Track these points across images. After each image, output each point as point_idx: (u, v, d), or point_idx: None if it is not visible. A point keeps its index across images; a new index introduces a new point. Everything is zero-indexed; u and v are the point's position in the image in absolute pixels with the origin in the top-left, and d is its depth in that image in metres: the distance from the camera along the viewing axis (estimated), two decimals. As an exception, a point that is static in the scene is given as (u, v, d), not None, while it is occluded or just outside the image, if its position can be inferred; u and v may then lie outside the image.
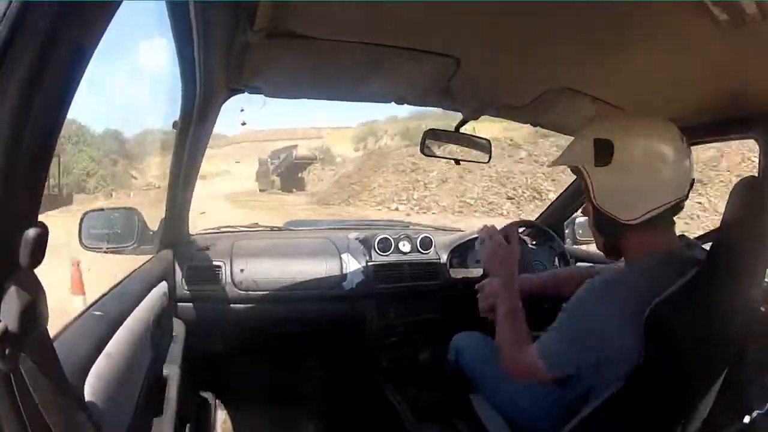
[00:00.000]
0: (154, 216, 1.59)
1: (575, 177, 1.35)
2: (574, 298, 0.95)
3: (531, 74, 1.20)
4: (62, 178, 16.68)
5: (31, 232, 0.43)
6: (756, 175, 1.15)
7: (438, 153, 1.69)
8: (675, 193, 0.89)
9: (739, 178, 0.90)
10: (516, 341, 1.04)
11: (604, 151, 0.90)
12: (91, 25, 0.44)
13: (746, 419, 0.93)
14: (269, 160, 23.87)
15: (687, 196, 0.92)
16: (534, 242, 1.97)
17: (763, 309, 1.01)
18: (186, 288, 1.65)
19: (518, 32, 0.94)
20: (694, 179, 0.92)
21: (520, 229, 1.96)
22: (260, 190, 22.27)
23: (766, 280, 0.96)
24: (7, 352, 0.44)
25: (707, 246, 0.91)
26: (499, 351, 1.07)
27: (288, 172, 22.83)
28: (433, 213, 12.94)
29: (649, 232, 0.91)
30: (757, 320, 0.99)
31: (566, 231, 2.08)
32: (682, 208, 0.93)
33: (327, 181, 20.22)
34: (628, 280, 0.92)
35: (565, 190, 2.07)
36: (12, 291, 0.43)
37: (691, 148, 0.95)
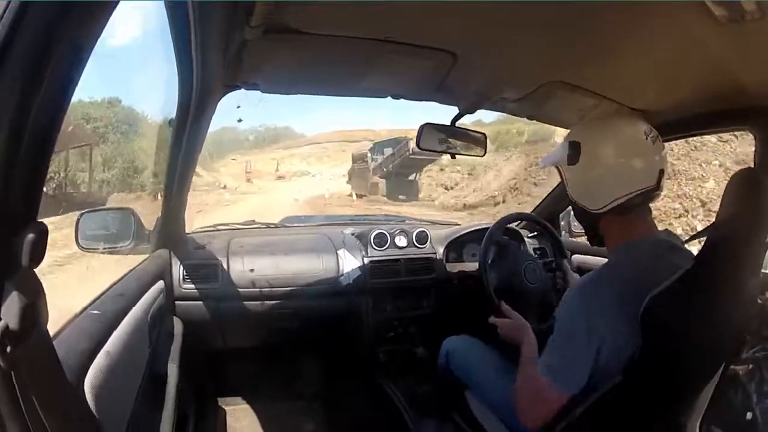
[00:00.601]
0: (150, 216, 1.59)
1: None
2: (559, 307, 1.03)
3: (527, 68, 1.20)
4: (101, 173, 14.88)
5: (31, 232, 0.43)
6: (752, 166, 1.16)
7: (435, 147, 1.69)
8: (639, 184, 0.97)
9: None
10: (526, 378, 1.05)
11: (574, 152, 1.03)
12: (90, 25, 0.44)
13: (748, 416, 0.94)
14: (370, 155, 18.86)
15: (658, 186, 0.99)
16: (530, 234, 1.98)
17: (760, 301, 1.01)
18: (183, 286, 1.64)
19: (515, 27, 0.94)
20: (662, 170, 0.99)
21: (516, 222, 1.98)
22: (357, 196, 17.76)
23: (764, 271, 0.96)
24: (7, 350, 0.44)
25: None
26: (516, 395, 1.05)
27: (398, 174, 17.45)
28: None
29: (620, 219, 1.01)
30: (755, 313, 0.99)
31: (561, 223, 2.09)
32: (653, 197, 1.01)
33: (467, 189, 15.94)
34: (609, 271, 1.00)
35: (559, 183, 2.07)
36: (12, 290, 0.43)
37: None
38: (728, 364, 0.97)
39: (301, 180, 28.49)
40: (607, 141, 1.02)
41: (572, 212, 2.00)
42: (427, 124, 1.61)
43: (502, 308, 1.36)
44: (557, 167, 1.11)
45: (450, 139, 1.65)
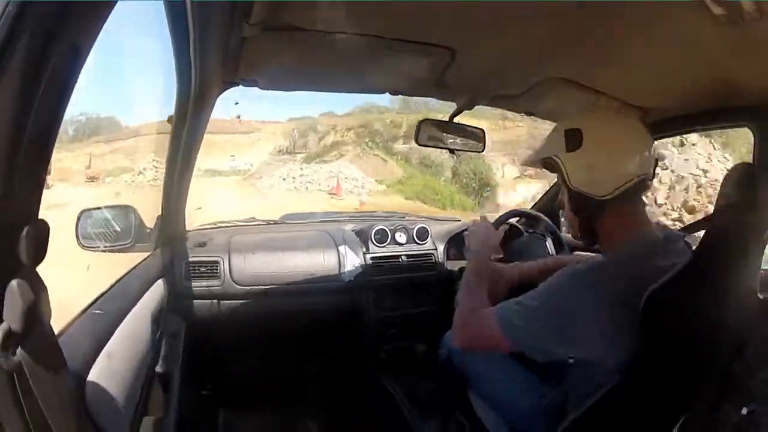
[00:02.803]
0: (150, 213, 1.57)
1: None
2: (550, 280, 0.99)
3: (526, 64, 1.20)
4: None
5: (32, 230, 0.43)
6: (750, 162, 1.15)
7: (433, 143, 1.69)
8: (639, 169, 0.97)
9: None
10: (472, 308, 1.09)
11: (574, 138, 1.00)
12: (88, 25, 0.44)
13: (743, 411, 0.94)
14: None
15: (654, 175, 1.00)
16: (530, 230, 1.98)
17: (761, 297, 1.01)
18: (185, 284, 1.65)
19: (513, 23, 0.94)
20: (657, 159, 1.01)
21: (516, 218, 1.97)
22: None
23: (763, 267, 0.96)
24: (10, 351, 0.44)
25: (698, 235, 0.92)
26: (454, 319, 1.11)
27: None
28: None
29: (620, 211, 0.99)
30: (755, 309, 0.99)
31: (562, 219, 2.08)
32: (648, 186, 1.01)
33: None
34: (609, 267, 0.97)
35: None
36: (14, 290, 0.43)
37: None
38: (729, 363, 0.97)
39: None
40: (610, 126, 1.02)
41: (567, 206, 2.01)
42: (425, 120, 1.61)
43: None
44: (548, 161, 1.07)
45: (449, 135, 1.65)
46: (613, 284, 0.91)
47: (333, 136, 22.57)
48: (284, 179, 18.29)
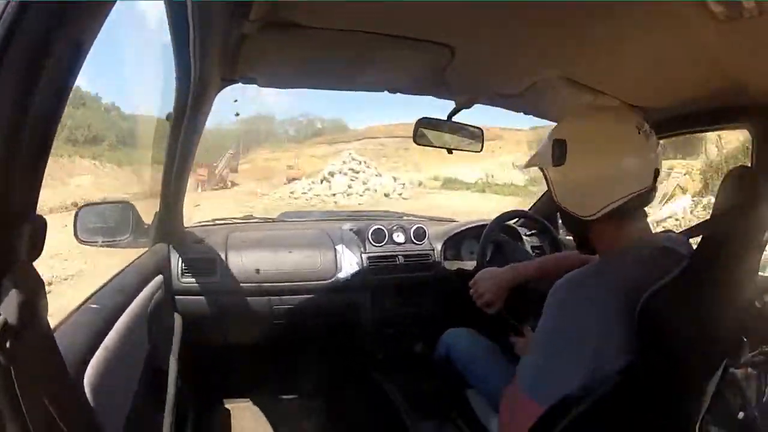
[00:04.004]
0: (149, 210, 1.58)
1: None
2: (544, 310, 0.91)
3: (526, 63, 1.20)
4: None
5: (30, 226, 0.43)
6: (748, 165, 1.16)
7: (431, 142, 1.69)
8: (633, 186, 0.88)
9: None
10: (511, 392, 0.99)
11: (559, 151, 0.92)
12: (89, 21, 0.44)
13: (740, 416, 0.94)
14: None
15: (654, 187, 0.91)
16: (528, 232, 1.98)
17: (758, 304, 1.01)
18: (182, 280, 1.65)
19: (513, 21, 0.94)
20: (658, 169, 0.91)
21: (513, 220, 1.98)
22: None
23: (760, 273, 0.94)
24: (7, 345, 0.44)
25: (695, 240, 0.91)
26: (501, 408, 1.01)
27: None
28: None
29: (614, 225, 0.91)
30: (752, 314, 0.99)
31: (560, 221, 2.09)
32: (649, 199, 0.92)
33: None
34: (605, 275, 0.90)
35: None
36: (11, 284, 0.43)
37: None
38: (727, 367, 0.96)
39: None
40: (596, 138, 0.91)
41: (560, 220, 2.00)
42: (423, 118, 1.61)
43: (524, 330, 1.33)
44: (541, 169, 0.99)
45: (447, 134, 1.65)
46: (611, 289, 0.86)
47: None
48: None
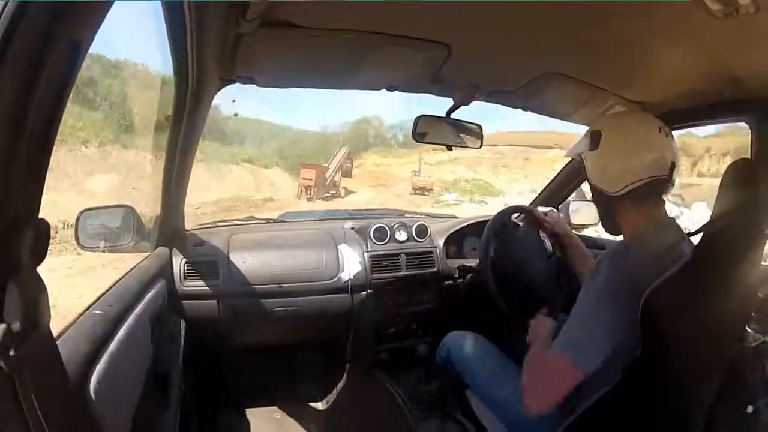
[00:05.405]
0: (150, 213, 1.58)
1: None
2: (593, 276, 1.02)
3: (523, 60, 1.20)
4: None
5: (32, 231, 0.43)
6: (748, 157, 1.15)
7: (430, 139, 1.69)
8: (653, 170, 1.03)
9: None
10: (538, 356, 1.07)
11: (595, 140, 1.09)
12: (88, 21, 0.44)
13: (749, 409, 0.94)
14: None
15: (670, 177, 1.04)
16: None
17: (761, 295, 1.01)
18: (185, 284, 1.64)
19: (510, 18, 0.94)
20: (674, 162, 1.04)
21: (515, 214, 1.97)
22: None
23: (763, 263, 0.94)
24: (11, 353, 0.43)
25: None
26: (525, 375, 1.06)
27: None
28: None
29: (635, 206, 1.07)
30: (756, 306, 0.99)
31: (560, 215, 2.08)
32: (666, 188, 1.06)
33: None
34: (627, 254, 1.03)
35: (557, 175, 2.08)
36: (14, 290, 0.42)
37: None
38: (731, 359, 0.97)
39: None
40: (624, 130, 1.09)
41: (571, 204, 2.03)
42: (422, 115, 1.60)
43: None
44: (580, 155, 1.16)
45: (446, 131, 1.65)
46: (630, 272, 0.94)
47: (707, 162, 20.28)
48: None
